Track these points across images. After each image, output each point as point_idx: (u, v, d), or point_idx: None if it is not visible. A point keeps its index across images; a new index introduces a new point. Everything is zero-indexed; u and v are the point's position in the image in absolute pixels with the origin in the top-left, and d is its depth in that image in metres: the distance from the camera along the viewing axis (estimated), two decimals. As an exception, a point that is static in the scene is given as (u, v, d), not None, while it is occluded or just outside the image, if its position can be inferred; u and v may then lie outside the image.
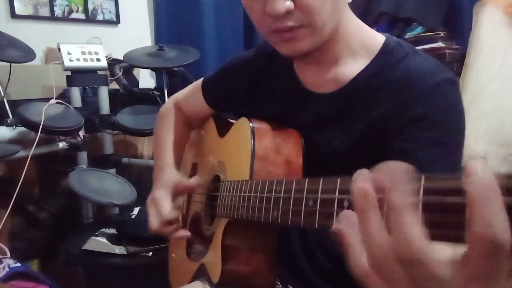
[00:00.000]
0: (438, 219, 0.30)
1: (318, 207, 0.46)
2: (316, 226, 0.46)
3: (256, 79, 0.82)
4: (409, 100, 0.62)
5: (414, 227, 0.29)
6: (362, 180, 0.32)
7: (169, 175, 0.86)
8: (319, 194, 0.46)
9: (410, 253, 0.29)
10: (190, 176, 0.99)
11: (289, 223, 0.52)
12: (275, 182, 0.57)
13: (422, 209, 0.30)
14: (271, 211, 0.56)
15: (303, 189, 0.49)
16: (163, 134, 0.96)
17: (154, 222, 0.80)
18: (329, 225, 0.42)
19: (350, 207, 0.40)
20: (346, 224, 0.33)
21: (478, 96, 1.74)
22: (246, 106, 0.83)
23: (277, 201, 0.55)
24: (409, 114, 0.61)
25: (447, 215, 0.30)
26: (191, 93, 0.97)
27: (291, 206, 0.52)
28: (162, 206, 0.80)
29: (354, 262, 0.32)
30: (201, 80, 0.95)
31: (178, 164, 0.95)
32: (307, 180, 0.49)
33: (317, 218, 0.46)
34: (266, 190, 0.59)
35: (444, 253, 0.29)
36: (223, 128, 0.87)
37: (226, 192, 0.73)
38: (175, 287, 0.86)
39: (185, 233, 0.80)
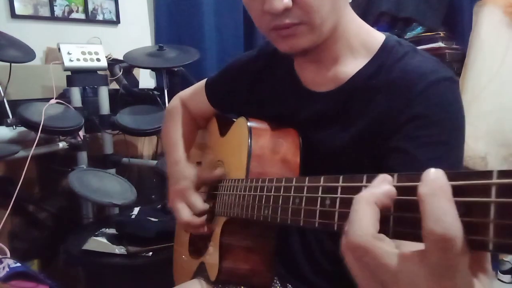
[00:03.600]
0: (399, 216, 0.33)
1: (303, 205, 0.46)
2: (301, 224, 0.46)
3: (257, 79, 0.82)
4: (407, 98, 0.61)
5: (363, 220, 0.32)
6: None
7: (187, 168, 0.85)
8: (305, 193, 0.46)
9: (357, 242, 0.32)
10: None
11: (278, 221, 0.52)
12: (267, 180, 0.58)
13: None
14: (262, 209, 0.57)
15: (291, 188, 0.50)
16: (172, 130, 0.97)
17: (185, 214, 0.79)
18: (312, 224, 0.43)
19: (332, 205, 0.41)
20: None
21: (478, 96, 1.74)
22: (248, 106, 0.83)
23: (268, 199, 0.56)
24: (407, 112, 0.61)
25: (405, 213, 0.33)
26: (195, 93, 0.98)
27: (280, 204, 0.52)
28: (193, 197, 0.79)
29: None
30: (204, 80, 0.96)
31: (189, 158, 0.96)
32: (295, 178, 0.50)
33: (302, 216, 0.47)
34: (259, 189, 0.59)
35: (407, 248, 0.31)
36: (224, 128, 0.87)
37: (224, 191, 0.73)
38: (178, 284, 0.87)
39: (207, 228, 0.79)
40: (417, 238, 0.30)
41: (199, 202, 0.78)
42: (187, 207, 0.79)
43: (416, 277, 0.29)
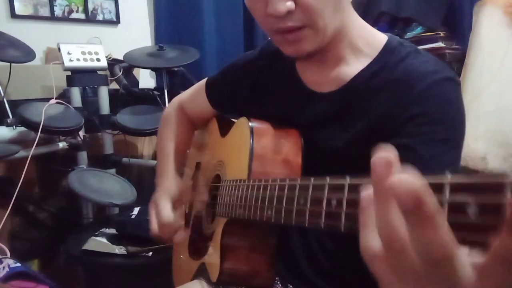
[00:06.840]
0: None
1: (308, 206, 0.46)
2: (307, 225, 0.46)
3: (258, 79, 0.82)
4: (408, 98, 0.62)
5: (442, 230, 0.26)
6: (385, 158, 0.30)
7: (170, 182, 0.89)
8: (310, 193, 0.46)
9: (437, 254, 0.27)
10: (194, 175, 0.99)
11: (282, 222, 0.52)
12: (270, 181, 0.57)
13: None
14: (265, 210, 0.57)
15: (295, 188, 0.49)
16: (164, 139, 0.98)
17: (153, 225, 0.84)
18: (319, 224, 0.43)
19: (338, 207, 0.40)
20: (366, 201, 0.31)
21: (478, 96, 1.74)
22: (249, 106, 0.83)
23: (271, 200, 0.55)
24: (407, 112, 0.61)
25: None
26: (194, 94, 0.97)
27: (284, 205, 0.52)
28: (161, 210, 0.83)
29: (364, 243, 0.31)
30: (204, 80, 0.95)
31: (181, 167, 0.98)
32: (299, 179, 0.50)
33: (307, 217, 0.46)
34: (261, 189, 0.59)
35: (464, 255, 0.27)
36: (225, 128, 0.87)
37: (225, 191, 0.73)
38: (177, 286, 0.87)
39: (181, 236, 0.83)
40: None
41: (164, 213, 0.82)
42: (157, 219, 0.84)
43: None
